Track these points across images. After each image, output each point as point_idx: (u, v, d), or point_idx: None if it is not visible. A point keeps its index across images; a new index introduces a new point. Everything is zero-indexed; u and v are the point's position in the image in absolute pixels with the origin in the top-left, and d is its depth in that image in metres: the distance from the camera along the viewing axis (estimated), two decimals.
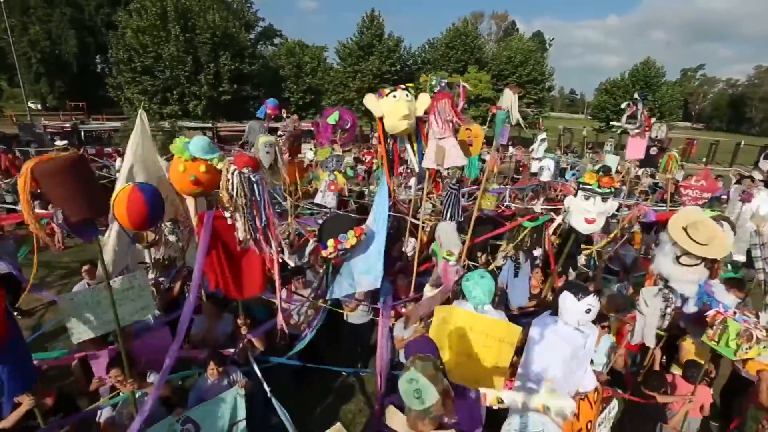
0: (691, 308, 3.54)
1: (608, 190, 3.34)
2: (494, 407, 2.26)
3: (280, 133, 6.31)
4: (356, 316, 4.97)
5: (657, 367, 4.16)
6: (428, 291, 4.05)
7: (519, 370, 3.00)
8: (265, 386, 3.48)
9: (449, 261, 3.75)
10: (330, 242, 3.69)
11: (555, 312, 2.99)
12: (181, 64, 27.28)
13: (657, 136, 9.06)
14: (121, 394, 3.22)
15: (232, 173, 2.68)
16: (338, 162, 6.39)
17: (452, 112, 4.02)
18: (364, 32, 34.44)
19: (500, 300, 4.44)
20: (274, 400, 3.36)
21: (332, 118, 4.95)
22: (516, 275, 4.82)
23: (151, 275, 4.79)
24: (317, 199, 6.21)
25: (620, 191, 8.05)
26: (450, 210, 5.09)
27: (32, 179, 2.18)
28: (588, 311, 2.81)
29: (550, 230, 4.94)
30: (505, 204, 7.75)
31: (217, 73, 28.34)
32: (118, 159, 11.49)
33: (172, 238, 4.95)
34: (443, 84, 4.41)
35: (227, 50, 28.66)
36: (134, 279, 3.15)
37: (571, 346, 2.84)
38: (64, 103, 35.56)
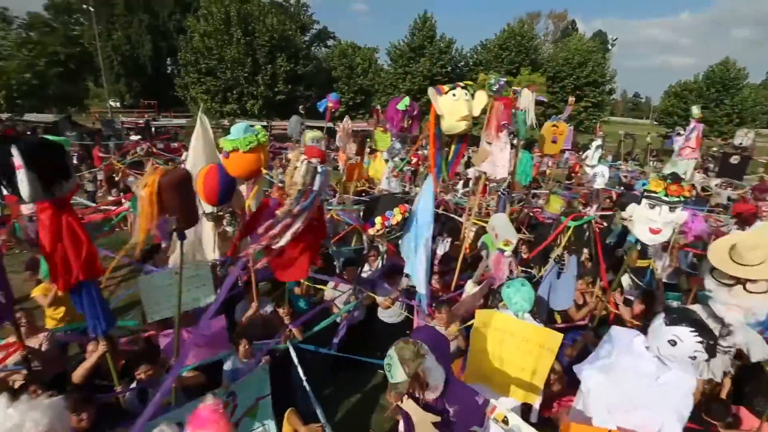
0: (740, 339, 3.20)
1: (677, 199, 3.11)
2: (495, 422, 2.16)
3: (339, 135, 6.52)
4: (390, 314, 5.00)
5: (723, 396, 3.82)
6: (470, 288, 3.98)
7: (576, 405, 2.74)
8: (302, 374, 3.59)
9: (505, 252, 3.66)
10: (378, 219, 3.75)
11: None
12: (241, 65, 28.90)
13: (741, 143, 8.24)
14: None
15: (302, 161, 2.86)
16: (399, 150, 6.48)
17: (507, 118, 3.88)
18: (415, 34, 34.48)
19: (539, 304, 4.27)
20: (308, 387, 3.47)
21: (402, 103, 5.00)
22: (559, 276, 4.61)
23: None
24: (382, 185, 6.34)
25: (690, 200, 7.45)
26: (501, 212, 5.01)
27: (159, 190, 2.44)
28: (695, 357, 2.30)
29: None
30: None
31: (273, 74, 29.70)
32: (184, 153, 12.44)
33: (229, 229, 5.29)
34: (502, 83, 4.27)
35: (283, 52, 29.94)
36: (199, 267, 3.37)
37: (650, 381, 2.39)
38: (138, 101, 38.94)
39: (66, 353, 4.30)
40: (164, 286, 3.17)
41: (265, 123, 26.47)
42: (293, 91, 30.72)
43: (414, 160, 13.03)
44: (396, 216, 3.79)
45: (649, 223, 3.17)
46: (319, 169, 2.89)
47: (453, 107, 3.84)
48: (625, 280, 4.92)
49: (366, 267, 5.62)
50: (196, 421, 1.91)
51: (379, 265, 5.71)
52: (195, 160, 4.48)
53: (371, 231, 3.84)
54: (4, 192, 2.40)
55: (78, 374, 3.11)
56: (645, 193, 3.23)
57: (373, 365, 4.41)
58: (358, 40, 53.04)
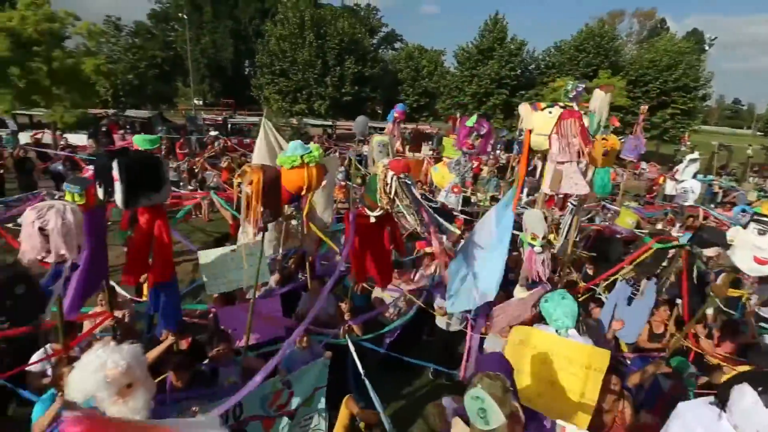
0: None
1: None
2: None
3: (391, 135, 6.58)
4: (453, 322, 4.89)
5: None
6: (519, 292, 3.76)
7: None
8: (360, 368, 3.66)
9: (534, 247, 3.43)
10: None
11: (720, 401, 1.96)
12: (312, 67, 30.24)
13: None
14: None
15: (392, 178, 2.94)
16: (465, 166, 6.39)
17: (578, 134, 3.56)
18: (485, 35, 33.62)
19: (598, 329, 3.89)
20: (367, 382, 3.50)
21: (471, 120, 4.92)
22: (630, 302, 4.16)
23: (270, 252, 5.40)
24: (440, 197, 6.31)
25: None
26: (568, 228, 4.68)
27: (264, 186, 2.71)
28: None
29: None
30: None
31: (341, 75, 30.69)
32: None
33: (294, 222, 5.56)
34: (580, 90, 3.98)
35: (352, 55, 30.81)
36: (255, 247, 3.56)
37: None
38: (218, 100, 42.34)
39: (152, 323, 4.74)
40: (221, 262, 3.42)
41: (330, 123, 27.47)
42: (359, 92, 31.51)
43: (475, 164, 12.69)
44: (454, 231, 3.74)
45: (756, 251, 2.75)
46: (409, 182, 2.97)
47: (545, 123, 3.58)
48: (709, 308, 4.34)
49: (420, 271, 5.58)
50: None
51: (436, 272, 5.63)
52: (259, 159, 4.86)
53: (428, 249, 3.81)
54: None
55: (150, 356, 3.40)
56: (754, 217, 2.81)
57: (421, 367, 4.37)
58: (425, 43, 53.01)
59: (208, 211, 10.27)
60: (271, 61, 31.41)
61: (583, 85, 3.97)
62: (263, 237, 3.17)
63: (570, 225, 4.95)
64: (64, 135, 19.15)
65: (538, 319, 3.57)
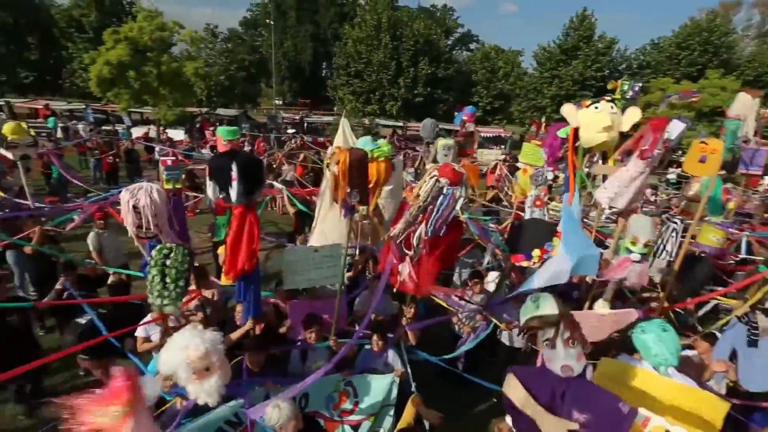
0: None
1: None
2: None
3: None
4: (518, 338, 4.58)
5: None
6: (600, 306, 3.32)
7: None
8: (410, 379, 3.54)
9: (632, 253, 2.99)
10: (536, 252, 3.44)
11: None
12: (386, 68, 30.68)
13: None
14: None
15: (431, 177, 2.84)
16: (545, 178, 5.97)
17: (661, 147, 3.03)
18: (570, 34, 31.50)
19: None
20: (413, 387, 3.42)
21: (563, 130, 4.52)
22: (754, 344, 3.50)
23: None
24: (526, 216, 5.93)
25: None
26: (667, 246, 4.12)
27: (349, 165, 2.80)
28: None
29: None
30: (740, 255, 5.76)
31: (415, 77, 30.75)
32: (329, 148, 13.72)
33: (365, 221, 5.60)
34: (636, 90, 3.51)
35: (426, 56, 30.71)
36: (333, 249, 3.66)
37: None
38: (296, 100, 44.78)
39: (226, 306, 5.08)
40: (303, 260, 3.55)
41: (401, 123, 27.64)
42: (432, 93, 31.33)
43: (553, 174, 11.84)
44: (556, 247, 3.41)
45: None
46: (445, 191, 2.79)
47: (593, 119, 3.23)
48: None
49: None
50: None
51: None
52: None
53: (525, 263, 3.54)
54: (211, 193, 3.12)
55: (230, 337, 3.61)
56: None
57: (484, 387, 4.13)
58: (502, 43, 51.11)
59: (282, 205, 10.85)
60: (347, 63, 32.46)
61: (639, 85, 3.49)
62: (351, 224, 3.23)
63: (665, 241, 4.35)
64: (166, 130, 21.52)
65: (612, 346, 3.13)
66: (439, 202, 2.83)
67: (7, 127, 6.06)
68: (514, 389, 1.95)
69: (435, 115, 30.98)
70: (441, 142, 5.50)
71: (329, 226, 4.68)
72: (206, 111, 26.84)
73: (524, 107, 32.84)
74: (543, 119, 9.08)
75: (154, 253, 2.77)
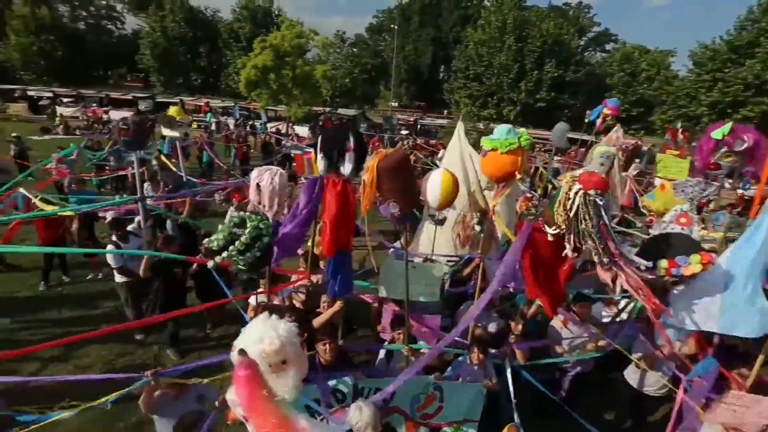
0: None
1: None
2: None
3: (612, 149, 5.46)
4: (652, 382, 3.78)
5: None
6: None
7: None
8: (512, 397, 3.29)
9: None
10: (663, 262, 2.82)
11: None
12: (507, 71, 29.29)
13: None
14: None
15: (575, 193, 2.45)
16: (701, 189, 4.96)
17: None
18: (747, 27, 25.89)
19: None
20: (516, 416, 3.13)
21: (719, 131, 3.64)
22: None
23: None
24: (655, 228, 5.07)
25: None
26: None
27: (377, 174, 2.63)
28: None
29: None
30: None
31: (538, 80, 28.75)
32: (441, 151, 13.59)
33: (477, 228, 5.29)
34: None
35: (554, 58, 28.43)
36: (432, 267, 3.69)
37: None
38: (412, 102, 45.73)
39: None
40: (401, 272, 3.48)
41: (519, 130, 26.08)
42: (556, 98, 28.91)
43: (713, 188, 9.83)
44: (692, 265, 2.73)
45: None
46: (600, 201, 2.39)
47: None
48: None
49: (608, 309, 4.59)
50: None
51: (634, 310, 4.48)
52: (449, 160, 4.93)
53: (648, 276, 2.91)
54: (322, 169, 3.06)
55: (317, 321, 3.65)
56: None
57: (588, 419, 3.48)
58: (647, 42, 44.69)
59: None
60: (466, 66, 31.91)
61: None
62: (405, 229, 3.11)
63: None
64: (294, 126, 23.90)
65: None
66: (604, 214, 2.45)
67: (173, 110, 8.21)
68: None
69: (558, 122, 28.52)
70: (599, 149, 4.83)
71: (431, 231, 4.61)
72: (329, 110, 29.03)
73: (671, 116, 28.09)
74: (679, 125, 7.56)
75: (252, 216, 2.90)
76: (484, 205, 4.81)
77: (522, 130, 3.40)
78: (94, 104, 26.55)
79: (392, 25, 38.95)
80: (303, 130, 23.21)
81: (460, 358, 3.70)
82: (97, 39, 43.35)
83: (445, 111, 38.32)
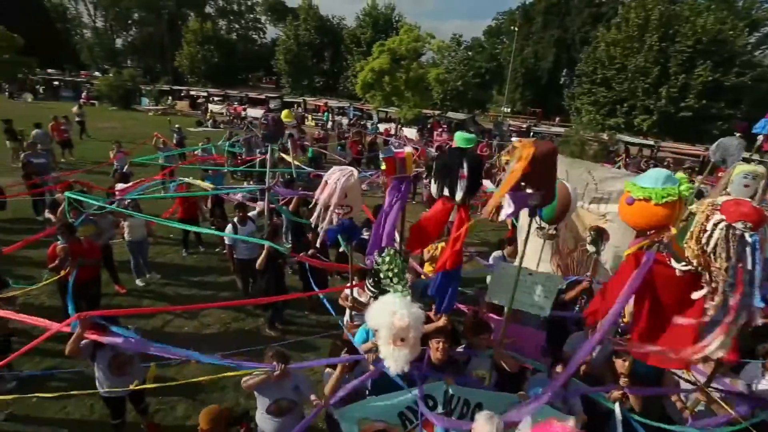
0: None
1: None
2: None
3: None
4: None
5: None
6: None
7: None
8: None
9: None
10: None
11: None
12: (644, 75, 25.62)
13: None
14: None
15: (714, 224, 1.98)
16: None
17: None
18: None
19: None
20: None
21: None
22: None
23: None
24: None
25: None
26: None
27: (533, 159, 2.41)
28: None
29: None
30: None
31: (684, 85, 24.54)
32: None
33: (590, 248, 4.72)
34: None
35: (709, 59, 23.95)
36: (547, 280, 3.36)
37: None
38: (525, 108, 43.20)
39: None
40: (513, 279, 3.35)
41: (652, 142, 22.67)
42: (707, 107, 24.29)
43: None
44: None
45: None
46: (749, 239, 1.89)
47: None
48: None
49: None
50: None
51: None
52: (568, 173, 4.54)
53: None
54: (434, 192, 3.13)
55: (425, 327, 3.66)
56: None
57: None
58: None
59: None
60: (593, 69, 28.82)
61: None
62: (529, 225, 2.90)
63: None
64: (402, 128, 24.47)
65: None
66: (750, 256, 1.94)
67: (284, 113, 9.11)
68: None
69: (706, 135, 23.91)
70: (741, 168, 3.89)
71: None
72: (438, 113, 29.04)
73: None
74: None
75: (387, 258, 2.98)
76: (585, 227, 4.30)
77: (681, 175, 2.84)
78: (236, 102, 30.80)
79: (512, 27, 37.26)
80: (411, 132, 23.63)
81: (539, 375, 3.43)
82: (244, 47, 50.50)
83: (557, 118, 35.29)
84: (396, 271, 2.85)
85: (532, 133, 24.16)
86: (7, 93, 29.97)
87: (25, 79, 32.88)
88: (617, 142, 21.88)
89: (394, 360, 2.46)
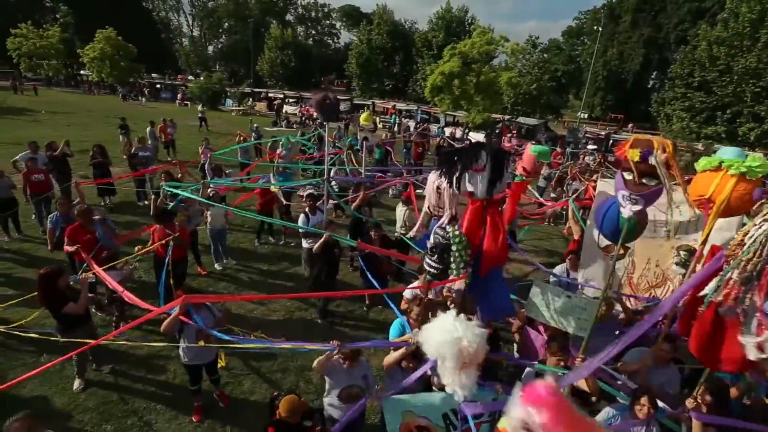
0: None
1: None
2: None
3: None
4: None
5: None
6: None
7: None
8: None
9: None
10: None
11: None
12: (754, 78, 22.45)
13: None
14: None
15: (761, 223, 1.95)
16: None
17: None
18: None
19: None
20: None
21: None
22: None
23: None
24: None
25: None
26: None
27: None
28: None
29: None
30: None
31: None
32: None
33: (677, 269, 4.31)
34: None
35: None
36: (588, 305, 3.39)
37: None
38: (606, 114, 40.02)
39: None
40: (553, 297, 3.43)
41: (761, 155, 19.76)
42: None
43: None
44: None
45: None
46: None
47: None
48: None
49: None
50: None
51: None
52: None
53: None
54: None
55: None
56: None
57: None
58: None
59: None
60: (690, 72, 25.84)
61: None
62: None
63: None
64: (469, 133, 23.99)
65: None
66: None
67: (363, 117, 9.50)
68: None
69: None
70: None
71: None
72: (508, 118, 28.03)
73: None
74: None
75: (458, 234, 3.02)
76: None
77: (757, 155, 2.65)
78: (308, 104, 32.43)
79: (595, 27, 34.76)
80: (478, 136, 23.12)
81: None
82: (319, 51, 53.09)
83: (630, 125, 32.13)
84: (462, 250, 2.87)
85: (611, 141, 22.29)
86: (120, 95, 34.55)
87: (135, 83, 37.90)
88: (714, 152, 19.40)
89: (462, 386, 2.33)
